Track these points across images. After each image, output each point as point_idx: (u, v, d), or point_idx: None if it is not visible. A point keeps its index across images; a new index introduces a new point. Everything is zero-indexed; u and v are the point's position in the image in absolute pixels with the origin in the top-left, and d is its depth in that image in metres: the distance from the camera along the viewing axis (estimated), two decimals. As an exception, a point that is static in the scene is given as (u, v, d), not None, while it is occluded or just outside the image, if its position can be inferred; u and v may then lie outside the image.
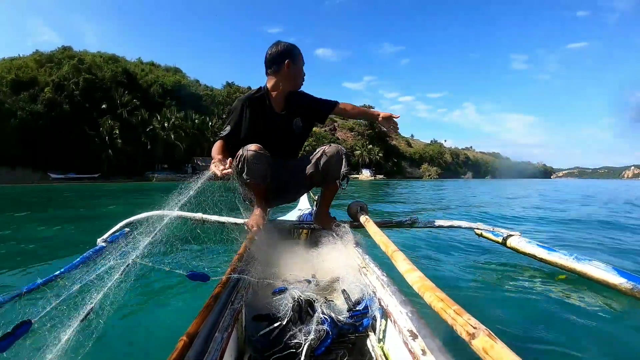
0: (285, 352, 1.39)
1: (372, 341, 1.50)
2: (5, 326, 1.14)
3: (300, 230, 2.80)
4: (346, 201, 3.37)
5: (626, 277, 2.76)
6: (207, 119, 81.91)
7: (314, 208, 3.82)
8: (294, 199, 3.46)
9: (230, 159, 2.26)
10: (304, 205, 4.70)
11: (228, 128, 2.79)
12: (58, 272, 3.13)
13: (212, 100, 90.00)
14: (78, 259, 3.39)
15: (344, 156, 2.74)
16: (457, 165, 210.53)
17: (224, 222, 3.13)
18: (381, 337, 1.46)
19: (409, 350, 1.14)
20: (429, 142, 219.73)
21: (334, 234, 2.56)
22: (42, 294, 2.98)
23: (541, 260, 3.50)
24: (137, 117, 70.30)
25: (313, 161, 2.76)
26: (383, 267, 1.81)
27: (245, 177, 2.47)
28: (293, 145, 2.97)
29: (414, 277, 1.41)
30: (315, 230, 2.80)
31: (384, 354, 1.41)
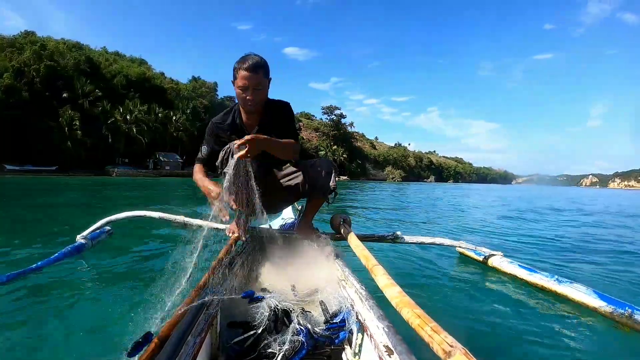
0: None
1: (347, 355, 1.50)
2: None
3: (282, 239, 2.80)
4: (330, 213, 3.37)
5: (606, 301, 2.86)
6: (171, 113, 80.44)
7: (297, 218, 3.82)
8: (277, 210, 3.45)
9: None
10: (287, 214, 4.70)
11: (205, 150, 2.71)
12: (34, 265, 3.07)
13: (177, 94, 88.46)
14: (57, 254, 3.33)
15: (333, 170, 2.74)
16: (420, 168, 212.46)
17: (205, 227, 3.13)
18: (357, 351, 1.46)
19: None
20: (393, 144, 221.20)
21: (315, 245, 2.57)
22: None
23: (522, 280, 3.60)
24: (98, 109, 68.08)
25: (301, 173, 2.74)
26: (363, 280, 1.81)
27: (227, 171, 2.39)
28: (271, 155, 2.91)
29: (393, 292, 1.41)
30: (297, 240, 2.77)
31: None
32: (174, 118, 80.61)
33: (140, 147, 72.25)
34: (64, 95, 64.83)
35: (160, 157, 76.61)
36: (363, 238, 3.10)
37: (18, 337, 2.23)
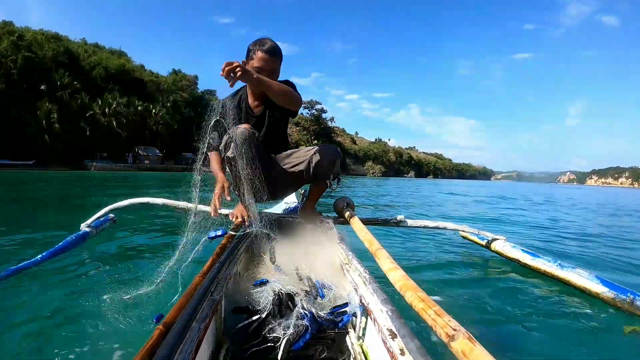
0: (264, 346, 1.39)
1: (351, 338, 1.51)
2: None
3: (285, 223, 2.80)
4: (333, 197, 3.37)
5: (608, 286, 2.88)
6: (151, 106, 79.45)
7: (300, 202, 3.82)
8: (282, 196, 3.46)
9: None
10: (290, 199, 4.70)
11: (215, 135, 2.64)
12: (40, 256, 3.03)
13: (158, 87, 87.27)
14: (61, 243, 3.29)
15: (337, 157, 2.76)
16: (400, 164, 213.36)
17: (209, 212, 3.14)
18: (361, 334, 1.48)
19: (388, 350, 1.14)
20: (374, 140, 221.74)
21: (318, 229, 2.58)
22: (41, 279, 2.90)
23: (524, 265, 3.61)
24: (76, 101, 66.88)
25: (305, 159, 2.75)
26: (366, 264, 1.81)
27: (230, 155, 2.43)
28: (275, 139, 2.92)
29: (396, 275, 1.42)
30: (300, 224, 2.78)
31: (363, 352, 1.43)
32: (153, 112, 79.71)
33: (119, 141, 71.28)
34: (42, 87, 63.51)
35: (140, 152, 75.74)
36: (367, 222, 3.10)
37: (31, 330, 2.20)
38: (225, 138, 2.51)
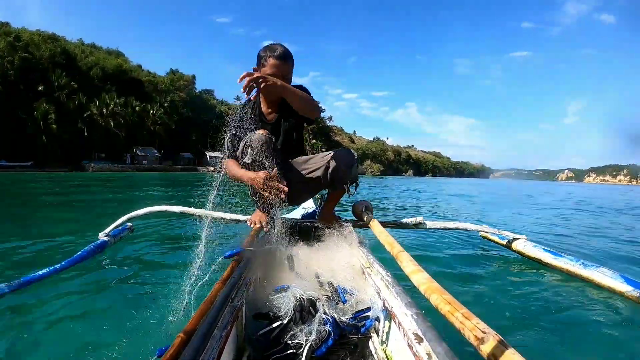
0: (286, 352, 1.38)
1: (374, 343, 1.50)
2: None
3: (304, 228, 2.79)
4: (350, 202, 3.30)
5: (633, 285, 2.85)
6: (149, 106, 79.38)
7: (318, 206, 3.80)
8: (300, 202, 3.44)
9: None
10: (308, 203, 4.69)
11: (230, 143, 2.66)
12: (58, 265, 3.02)
13: (155, 87, 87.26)
14: (80, 253, 3.29)
15: (354, 162, 2.73)
16: (399, 162, 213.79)
17: (226, 219, 3.14)
18: (384, 339, 1.47)
19: (414, 354, 1.12)
20: (372, 139, 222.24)
21: (338, 233, 2.55)
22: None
23: (547, 265, 3.58)
24: (74, 102, 66.67)
25: (322, 165, 2.72)
26: (388, 267, 1.79)
27: (248, 161, 2.39)
28: (291, 145, 2.87)
29: (420, 278, 1.40)
30: (319, 228, 2.74)
31: (387, 357, 1.41)
32: (151, 112, 79.70)
33: (117, 142, 71.20)
34: (39, 88, 63.42)
35: (138, 152, 75.77)
36: (386, 225, 3.06)
37: (47, 337, 2.19)
38: (241, 144, 2.48)
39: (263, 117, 2.76)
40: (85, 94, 68.88)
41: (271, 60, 2.50)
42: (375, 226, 2.57)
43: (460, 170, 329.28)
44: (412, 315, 1.25)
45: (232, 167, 2.49)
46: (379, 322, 1.50)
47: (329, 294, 1.66)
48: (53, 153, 60.89)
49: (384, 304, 1.50)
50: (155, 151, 78.43)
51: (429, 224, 3.54)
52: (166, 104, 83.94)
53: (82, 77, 72.27)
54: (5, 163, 52.05)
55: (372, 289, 1.72)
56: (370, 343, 1.52)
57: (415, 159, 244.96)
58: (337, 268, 2.05)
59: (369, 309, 1.55)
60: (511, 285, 3.33)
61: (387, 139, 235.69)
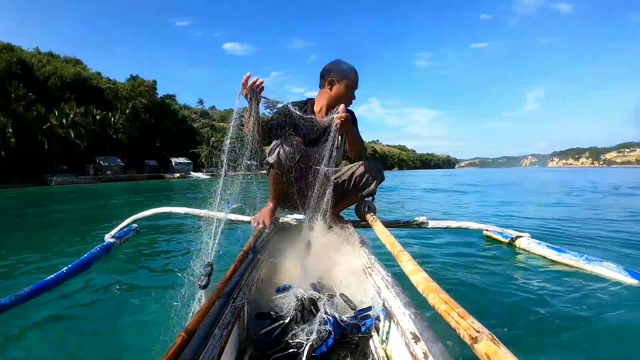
0: (287, 352, 1.40)
1: (375, 342, 1.53)
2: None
3: (307, 227, 2.82)
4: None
5: (638, 278, 2.88)
6: (110, 114, 77.48)
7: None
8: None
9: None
10: None
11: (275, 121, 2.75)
12: (65, 270, 3.00)
13: (115, 95, 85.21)
14: (86, 255, 3.27)
15: (379, 176, 2.84)
16: (365, 157, 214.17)
17: (230, 219, 3.15)
18: (384, 338, 1.49)
19: (411, 354, 1.14)
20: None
21: (340, 233, 2.58)
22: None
23: (551, 261, 3.59)
24: (32, 113, 64.23)
25: (350, 170, 2.82)
26: (389, 267, 1.82)
27: (270, 161, 2.50)
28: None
29: (419, 278, 1.41)
30: (322, 228, 2.70)
31: (387, 356, 1.44)
32: (112, 119, 77.62)
33: (78, 152, 69.31)
34: (-5, 100, 61.21)
35: (101, 162, 73.68)
36: (388, 224, 3.11)
37: (56, 340, 2.24)
38: (273, 143, 2.55)
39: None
40: (44, 105, 66.68)
41: (353, 76, 2.72)
42: (377, 226, 2.59)
43: (426, 162, 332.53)
44: (410, 314, 1.28)
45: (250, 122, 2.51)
46: (379, 321, 1.53)
47: (330, 293, 1.69)
48: (12, 168, 58.81)
49: (384, 303, 1.53)
50: (119, 160, 76.60)
51: (432, 223, 3.59)
52: (128, 111, 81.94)
53: (40, 87, 69.94)
54: (-38, 181, 49.98)
55: (373, 288, 1.74)
56: (370, 342, 1.55)
57: (381, 153, 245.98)
58: (339, 267, 2.09)
59: (369, 308, 1.57)
60: (512, 283, 3.32)
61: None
